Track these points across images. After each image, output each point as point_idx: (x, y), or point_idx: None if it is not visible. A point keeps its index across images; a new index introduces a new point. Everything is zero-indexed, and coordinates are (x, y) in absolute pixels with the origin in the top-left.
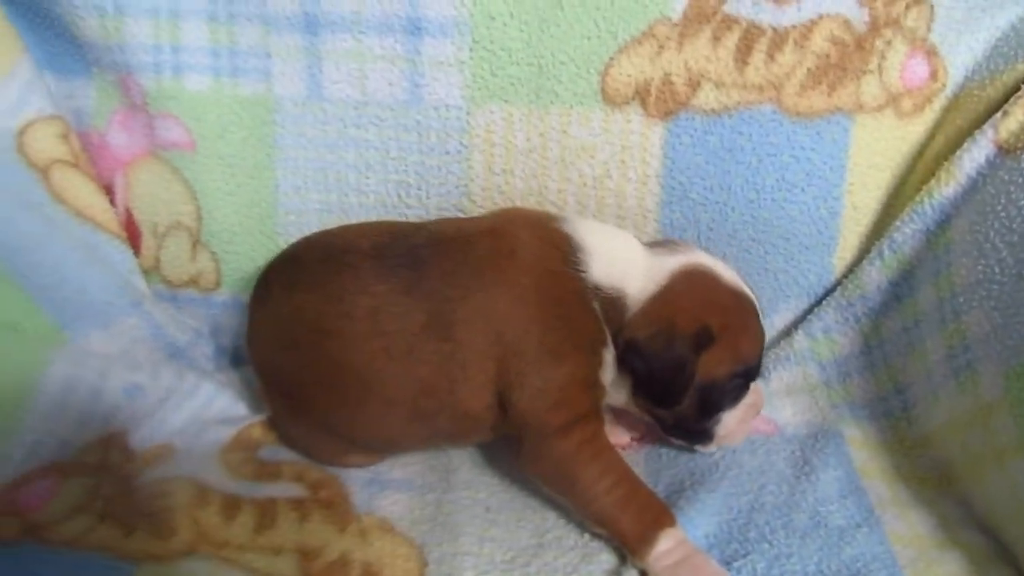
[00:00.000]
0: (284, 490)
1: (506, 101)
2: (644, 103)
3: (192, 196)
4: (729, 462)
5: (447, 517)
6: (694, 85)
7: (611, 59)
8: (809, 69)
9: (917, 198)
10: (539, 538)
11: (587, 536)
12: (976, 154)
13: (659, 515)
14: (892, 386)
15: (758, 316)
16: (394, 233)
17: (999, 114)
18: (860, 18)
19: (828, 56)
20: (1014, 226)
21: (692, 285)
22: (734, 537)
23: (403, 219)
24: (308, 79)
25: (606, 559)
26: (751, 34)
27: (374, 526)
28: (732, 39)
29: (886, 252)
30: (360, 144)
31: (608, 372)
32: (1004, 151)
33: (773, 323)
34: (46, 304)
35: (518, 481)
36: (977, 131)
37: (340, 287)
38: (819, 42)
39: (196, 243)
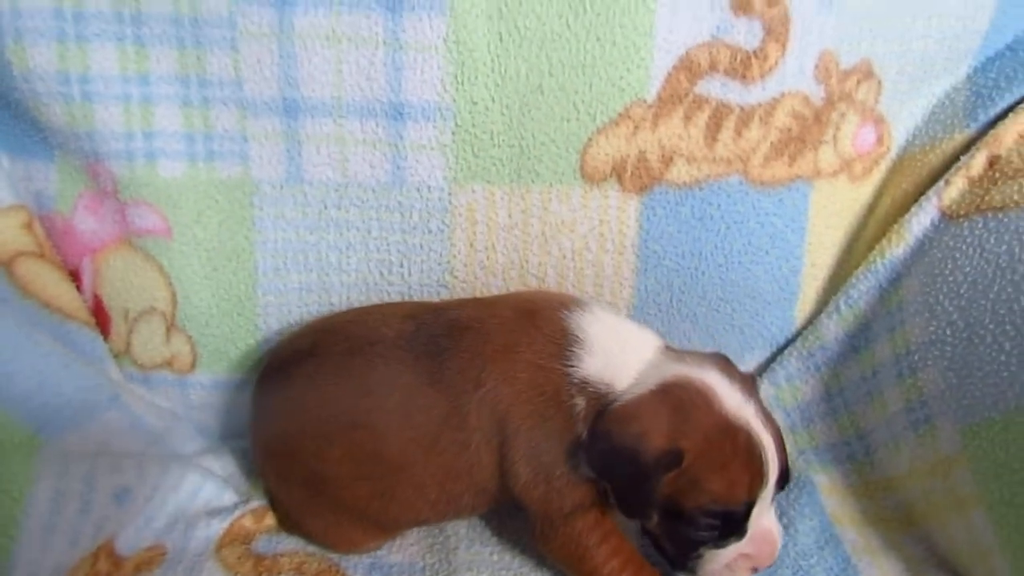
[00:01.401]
0: None
1: (488, 181)
2: (621, 179)
3: (167, 282)
4: None
5: None
6: (667, 161)
7: (589, 139)
8: (772, 143)
9: (870, 257)
10: None
11: None
12: (922, 218)
13: None
14: (854, 431)
15: (754, 462)
16: (416, 319)
17: (942, 182)
18: (818, 94)
19: (790, 130)
20: (961, 291)
21: (682, 401)
22: None
23: (390, 298)
24: (287, 162)
25: None
26: (720, 112)
27: None
28: (703, 118)
29: (843, 306)
30: (341, 225)
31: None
32: (948, 216)
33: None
34: (23, 412)
35: (518, 556)
36: (923, 197)
37: (371, 380)
38: (782, 117)
39: (171, 327)
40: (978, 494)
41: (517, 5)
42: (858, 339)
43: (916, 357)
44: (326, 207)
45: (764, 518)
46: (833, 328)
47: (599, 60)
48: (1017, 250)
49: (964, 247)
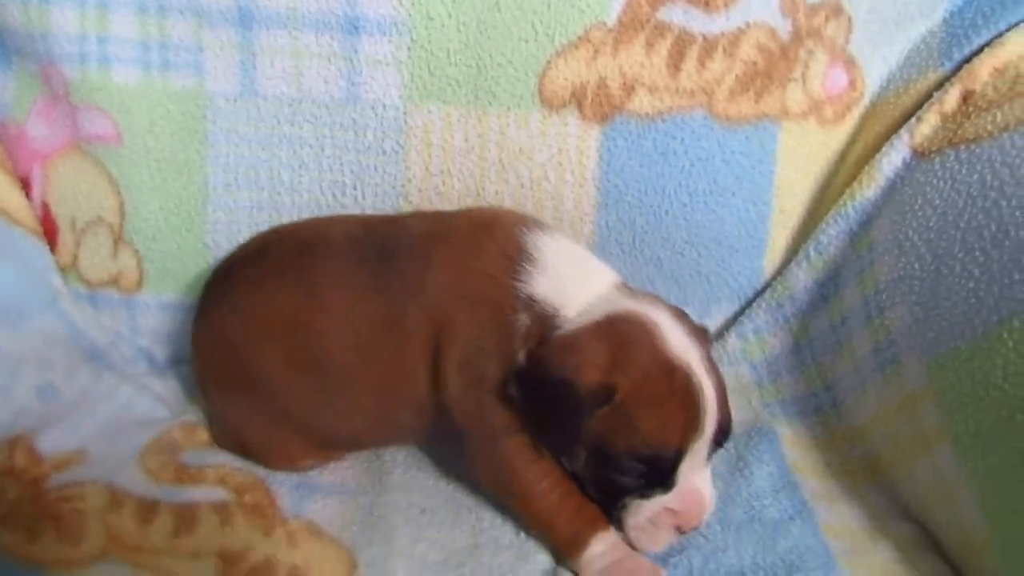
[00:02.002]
0: (207, 494)
1: (444, 102)
2: (580, 106)
3: (116, 191)
4: None
5: (379, 519)
6: (629, 90)
7: (548, 62)
8: (738, 76)
9: (840, 201)
10: (474, 538)
11: (523, 536)
12: (894, 158)
13: (593, 519)
14: (821, 383)
15: (690, 406)
16: (368, 225)
17: (913, 120)
18: (784, 27)
19: (755, 64)
20: (931, 224)
21: (625, 336)
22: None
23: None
24: (241, 75)
25: (542, 559)
26: (683, 40)
27: (302, 530)
28: (665, 45)
29: (812, 254)
30: (294, 141)
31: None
32: (919, 154)
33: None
34: None
35: (454, 482)
36: (894, 136)
37: (316, 280)
38: (747, 50)
39: (118, 240)
40: (944, 427)
41: None
42: (827, 287)
43: (884, 296)
44: (279, 122)
45: (696, 476)
46: (802, 277)
47: None
48: (989, 178)
49: (935, 181)
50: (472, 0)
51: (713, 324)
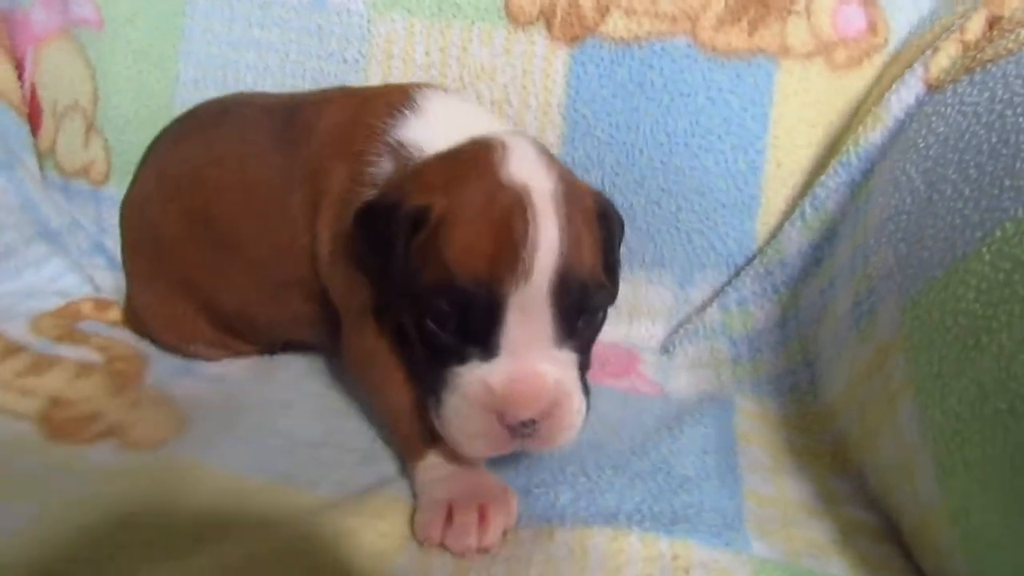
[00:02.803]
0: (80, 353)
1: (408, 11)
2: (549, 25)
3: (92, 76)
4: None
5: (236, 404)
6: (603, 11)
7: None
8: (727, 2)
9: (842, 148)
10: (325, 437)
11: (377, 443)
12: (905, 95)
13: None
14: (802, 358)
15: (509, 232)
16: (294, 95)
17: (929, 51)
18: None
19: None
20: (930, 153)
21: (463, 161)
22: (546, 467)
23: None
24: None
25: (385, 468)
26: None
27: (151, 398)
28: None
29: (808, 210)
30: (262, 45)
31: None
32: (933, 88)
33: (689, 296)
34: None
35: (338, 390)
36: (907, 70)
37: (220, 134)
38: None
39: (90, 127)
40: (908, 376)
41: None
42: (822, 249)
43: (871, 241)
44: (250, 25)
45: (531, 351)
46: (796, 238)
47: None
48: (1000, 92)
49: (943, 109)
50: None
51: (697, 294)
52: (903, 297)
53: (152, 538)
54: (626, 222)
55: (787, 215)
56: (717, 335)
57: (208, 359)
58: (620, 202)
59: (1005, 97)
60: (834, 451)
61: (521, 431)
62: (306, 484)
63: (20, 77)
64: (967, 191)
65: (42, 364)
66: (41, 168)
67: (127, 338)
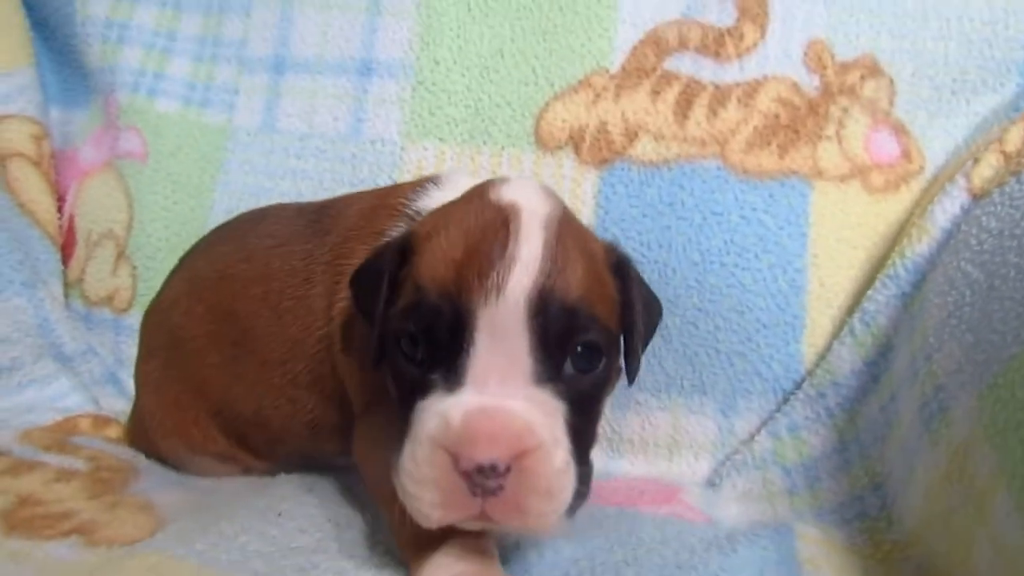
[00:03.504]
0: (66, 462)
1: (440, 139)
2: (578, 149)
3: (129, 205)
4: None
5: (221, 510)
6: (631, 136)
7: (546, 104)
8: (756, 127)
9: (888, 262)
10: (317, 544)
11: (379, 550)
12: (949, 206)
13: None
14: (868, 482)
15: (478, 240)
16: (328, 203)
17: (970, 162)
18: (810, 83)
19: (777, 116)
20: (984, 247)
21: (455, 202)
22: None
23: None
24: (265, 113)
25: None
26: (691, 89)
27: (131, 502)
28: (672, 93)
29: (858, 327)
30: (298, 174)
31: None
32: (977, 197)
33: (733, 426)
34: None
35: (344, 504)
36: (948, 182)
37: (254, 232)
38: (766, 102)
39: (120, 255)
40: (998, 468)
41: None
42: (878, 366)
43: (932, 340)
44: (288, 155)
45: (504, 390)
46: (848, 357)
47: (560, 28)
48: None
49: (993, 209)
50: (478, 47)
51: (742, 424)
52: (979, 385)
53: None
54: (662, 345)
55: (835, 335)
56: (768, 465)
57: (213, 475)
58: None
59: None
60: None
61: (481, 484)
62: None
63: (60, 209)
64: None
65: (20, 468)
66: (66, 297)
67: (120, 452)
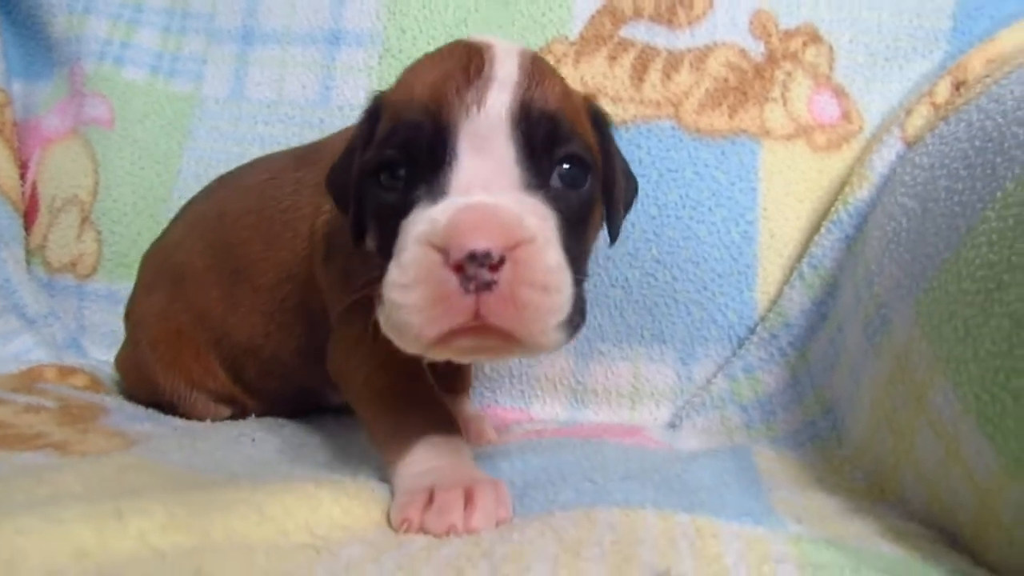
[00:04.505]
0: (34, 400)
1: None
2: None
3: (95, 170)
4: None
5: (195, 434)
6: (590, 98)
7: None
8: (707, 90)
9: (832, 209)
10: (294, 454)
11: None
12: (886, 153)
13: (423, 421)
14: (820, 408)
15: (458, 59)
16: (318, 140)
17: (903, 115)
18: (756, 49)
19: (726, 80)
20: (918, 180)
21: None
22: (543, 470)
23: None
24: (234, 82)
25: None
26: (646, 55)
27: (104, 431)
28: (628, 59)
29: (806, 270)
30: (266, 139)
31: None
32: (910, 144)
33: (692, 373)
34: None
35: (320, 436)
36: (884, 132)
37: (248, 171)
38: (716, 66)
39: (85, 220)
40: (934, 356)
41: None
42: (826, 304)
43: (873, 267)
44: (256, 122)
45: (491, 193)
46: (797, 299)
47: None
48: (975, 117)
49: (924, 148)
50: (442, 16)
51: (700, 371)
52: (916, 292)
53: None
54: (622, 296)
55: (785, 281)
56: (726, 404)
57: (207, 416)
58: (615, 276)
59: (979, 119)
60: (869, 485)
61: (475, 275)
62: (269, 478)
63: (23, 177)
64: (960, 186)
65: None
66: (28, 264)
67: (88, 396)
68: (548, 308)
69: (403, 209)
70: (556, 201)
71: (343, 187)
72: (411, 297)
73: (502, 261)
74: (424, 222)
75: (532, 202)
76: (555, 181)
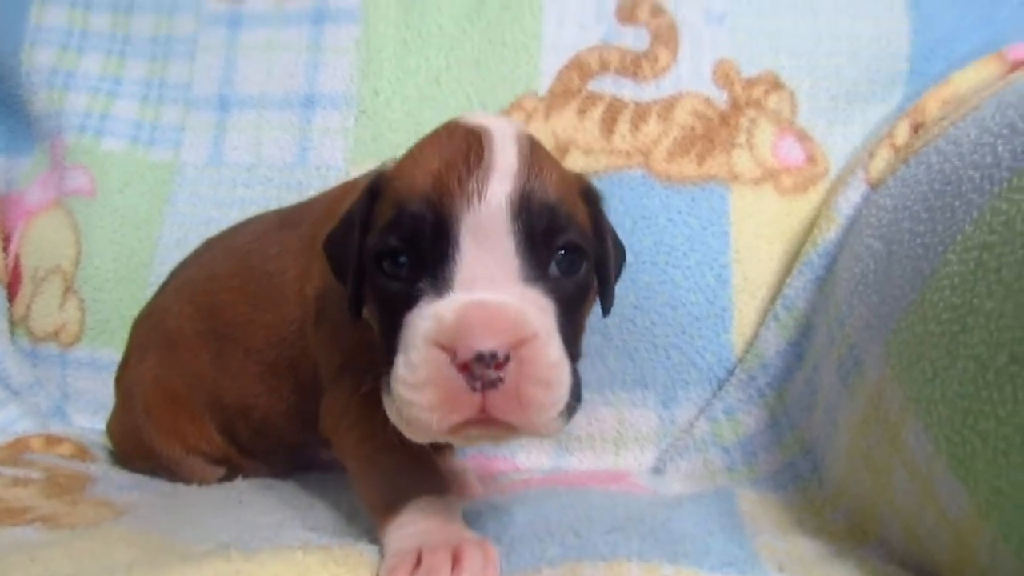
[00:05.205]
0: (21, 472)
1: (383, 162)
2: None
3: (77, 240)
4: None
5: (182, 500)
6: (563, 151)
7: None
8: (676, 138)
9: (803, 251)
10: (283, 520)
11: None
12: (851, 195)
13: (414, 482)
14: (799, 449)
15: (457, 148)
16: (302, 202)
17: (866, 155)
18: (720, 97)
19: (693, 128)
20: (883, 222)
21: (423, 138)
22: (529, 525)
23: None
24: (212, 147)
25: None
26: (615, 107)
27: (92, 501)
28: (597, 111)
29: (780, 312)
30: (246, 202)
31: None
32: (874, 186)
33: (674, 416)
34: None
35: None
36: (849, 175)
37: (235, 234)
38: (683, 116)
39: (68, 289)
40: (906, 397)
41: (420, 16)
42: (801, 345)
43: (844, 308)
44: (235, 186)
45: (493, 289)
46: (773, 340)
47: (491, 57)
48: (935, 159)
49: (887, 190)
50: (415, 78)
51: (682, 413)
52: (885, 333)
53: None
54: (603, 343)
55: (760, 322)
56: (708, 447)
57: (202, 480)
58: (595, 323)
59: (938, 161)
60: (850, 525)
61: (482, 375)
62: (257, 546)
63: (5, 249)
64: (922, 228)
65: None
66: (12, 335)
67: (75, 465)
68: (550, 402)
69: (408, 301)
70: (555, 291)
71: (341, 260)
72: (420, 396)
73: (507, 359)
74: (430, 319)
75: (533, 295)
76: (553, 270)
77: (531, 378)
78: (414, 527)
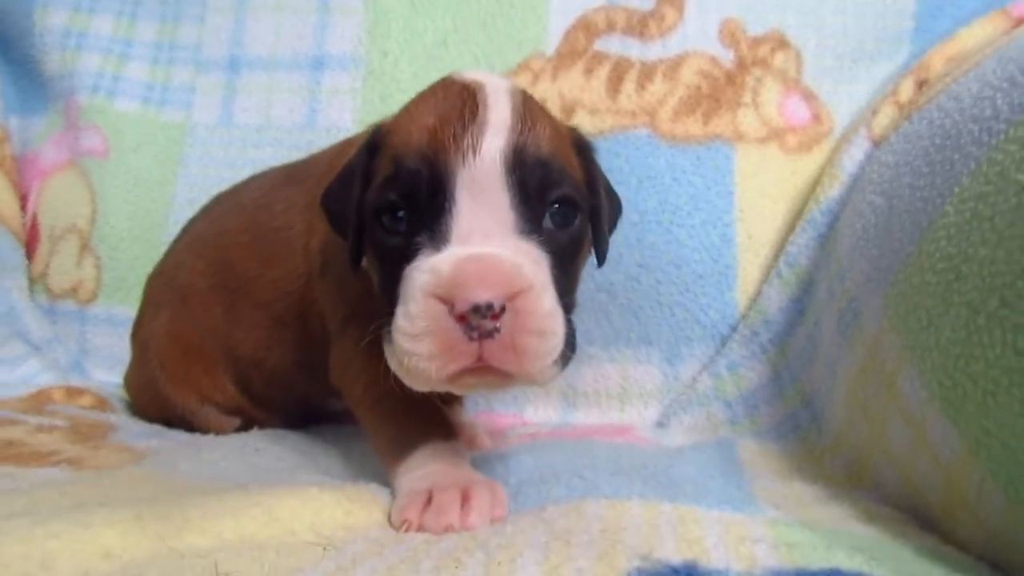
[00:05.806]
0: (45, 421)
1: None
2: None
3: (92, 199)
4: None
5: (201, 446)
6: (569, 111)
7: None
8: (681, 98)
9: (806, 209)
10: (298, 462)
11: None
12: (854, 152)
13: (423, 427)
14: (800, 401)
15: (452, 104)
16: (306, 157)
17: (869, 113)
18: (726, 56)
19: (699, 87)
20: (884, 177)
21: (419, 94)
22: (536, 469)
23: None
24: (222, 109)
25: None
26: (621, 67)
27: (114, 447)
28: (603, 71)
29: (784, 269)
30: (256, 162)
31: None
32: (877, 142)
33: (678, 372)
34: None
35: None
36: (852, 132)
37: (243, 190)
38: (688, 75)
39: (85, 247)
40: (902, 346)
41: None
42: (803, 301)
43: (845, 263)
44: (246, 146)
45: (489, 242)
46: (775, 297)
47: (498, 18)
48: (936, 115)
49: (890, 146)
50: (423, 38)
51: (686, 370)
52: (884, 285)
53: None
54: (608, 301)
55: (763, 280)
56: (711, 401)
57: (215, 431)
58: (601, 281)
59: (939, 116)
60: (847, 472)
61: (479, 325)
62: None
63: (23, 208)
64: (922, 183)
65: (2, 423)
66: (31, 291)
67: (96, 415)
68: (544, 351)
69: (406, 254)
70: (548, 243)
71: (340, 213)
72: (420, 346)
73: (502, 310)
74: (428, 272)
75: (527, 247)
76: (547, 222)
77: (526, 328)
78: (423, 470)
